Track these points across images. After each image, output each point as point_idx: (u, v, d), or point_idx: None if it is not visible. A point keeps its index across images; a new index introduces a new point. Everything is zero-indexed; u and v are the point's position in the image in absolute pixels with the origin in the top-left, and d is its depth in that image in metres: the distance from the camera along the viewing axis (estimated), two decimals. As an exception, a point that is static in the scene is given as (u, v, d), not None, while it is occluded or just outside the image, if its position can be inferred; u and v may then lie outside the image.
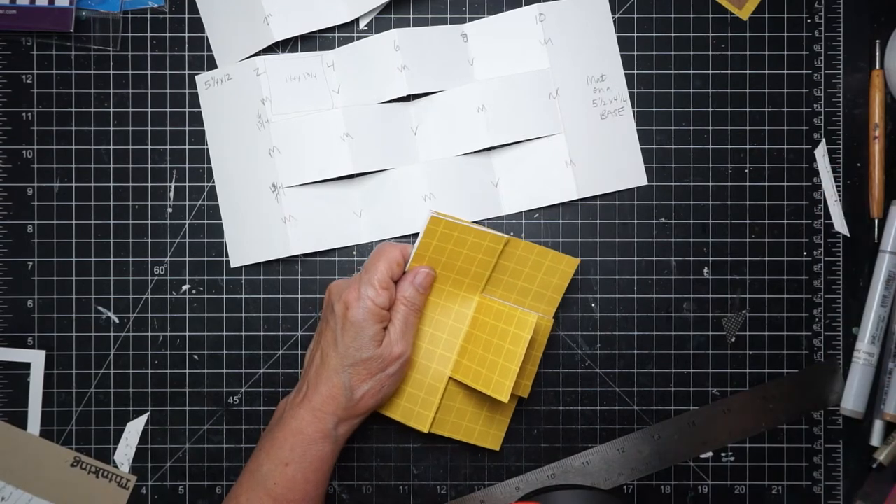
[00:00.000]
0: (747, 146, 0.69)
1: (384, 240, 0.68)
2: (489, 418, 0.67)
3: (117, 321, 0.68)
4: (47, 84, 0.68)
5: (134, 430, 0.68)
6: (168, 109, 0.68)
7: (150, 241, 0.68)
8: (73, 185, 0.68)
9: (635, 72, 0.69)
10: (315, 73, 0.67)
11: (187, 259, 0.68)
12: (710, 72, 0.69)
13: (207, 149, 0.68)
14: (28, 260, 0.68)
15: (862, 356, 0.68)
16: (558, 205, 0.68)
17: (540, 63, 0.68)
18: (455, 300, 0.64)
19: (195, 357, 0.68)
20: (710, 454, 0.69)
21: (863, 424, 0.69)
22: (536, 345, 0.66)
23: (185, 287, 0.68)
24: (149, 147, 0.68)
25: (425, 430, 0.64)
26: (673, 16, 0.69)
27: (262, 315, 0.68)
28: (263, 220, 0.67)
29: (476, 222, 0.68)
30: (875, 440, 0.68)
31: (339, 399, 0.61)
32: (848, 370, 0.69)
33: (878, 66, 0.68)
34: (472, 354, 0.63)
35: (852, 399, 0.68)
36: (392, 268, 0.62)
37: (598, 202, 0.69)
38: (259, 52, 0.67)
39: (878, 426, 0.68)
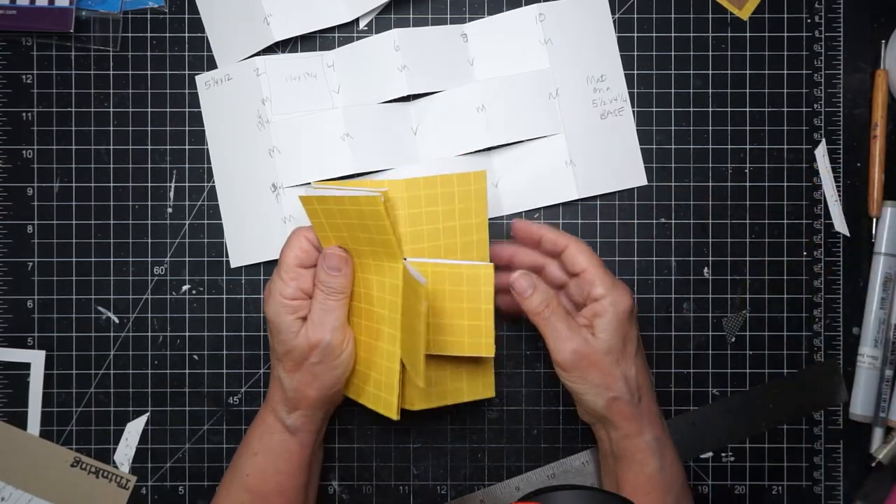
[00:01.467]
0: (747, 146, 0.69)
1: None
2: (472, 370, 0.63)
3: (117, 321, 0.68)
4: (47, 84, 0.68)
5: (134, 430, 0.68)
6: (168, 109, 0.68)
7: (150, 241, 0.68)
8: (73, 185, 0.68)
9: (635, 72, 0.69)
10: (315, 73, 0.67)
11: (187, 259, 0.68)
12: (710, 72, 0.69)
13: (207, 149, 0.68)
14: (28, 260, 0.68)
15: (866, 360, 0.68)
16: (558, 205, 0.68)
17: (540, 63, 0.68)
18: (382, 272, 0.59)
19: (195, 357, 0.68)
20: (710, 454, 0.69)
21: (867, 426, 0.69)
22: (486, 296, 0.60)
23: (185, 287, 0.68)
24: (149, 147, 0.68)
25: (395, 417, 0.59)
26: (673, 16, 0.69)
27: (261, 315, 0.68)
28: (263, 220, 0.67)
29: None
30: (875, 448, 0.68)
31: (279, 392, 0.61)
32: (848, 370, 0.69)
33: (882, 66, 0.68)
34: (432, 327, 0.60)
35: (860, 404, 0.68)
36: (298, 255, 0.59)
37: (598, 202, 0.69)
38: (259, 52, 0.67)
39: (878, 433, 0.68)
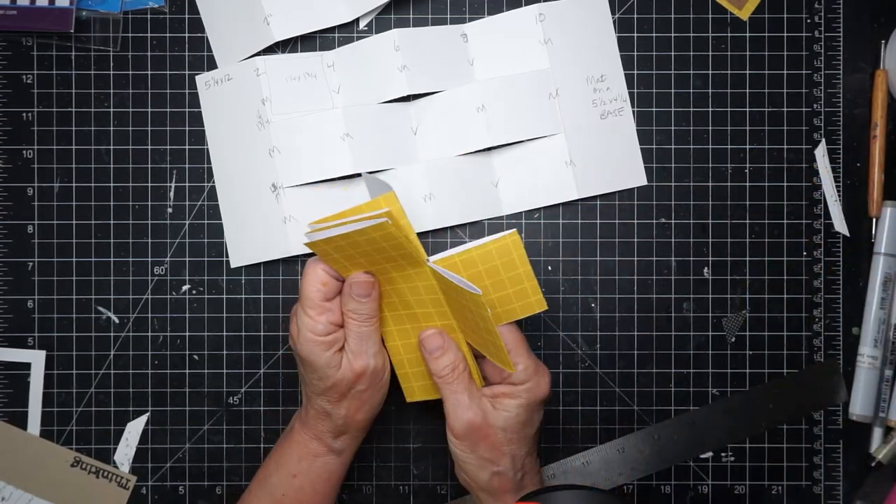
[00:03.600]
0: (747, 146, 0.69)
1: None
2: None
3: (117, 321, 0.68)
4: (47, 84, 0.68)
5: (134, 430, 0.68)
6: (168, 109, 0.68)
7: (150, 241, 0.68)
8: (73, 185, 0.68)
9: (635, 72, 0.69)
10: (315, 73, 0.67)
11: (187, 259, 0.68)
12: (710, 72, 0.69)
13: (207, 149, 0.68)
14: (28, 260, 0.68)
15: (866, 360, 0.68)
16: (558, 205, 0.68)
17: (540, 63, 0.68)
18: (411, 279, 0.59)
19: (195, 357, 0.68)
20: (710, 454, 0.69)
21: (867, 426, 0.69)
22: (527, 274, 0.59)
23: (185, 287, 0.68)
24: (149, 147, 0.68)
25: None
26: (673, 16, 0.69)
27: (262, 315, 0.68)
28: (263, 220, 0.67)
29: (475, 223, 0.68)
30: (875, 448, 0.68)
31: (325, 420, 0.60)
32: (848, 370, 0.69)
33: (882, 66, 0.68)
34: (463, 323, 0.60)
35: (859, 404, 0.68)
36: (321, 289, 0.58)
37: (598, 202, 0.69)
38: (259, 52, 0.67)
39: (877, 433, 0.68)
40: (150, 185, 0.68)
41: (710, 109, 0.69)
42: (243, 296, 0.68)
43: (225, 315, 0.68)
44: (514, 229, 0.58)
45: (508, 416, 0.58)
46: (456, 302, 0.58)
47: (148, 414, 0.68)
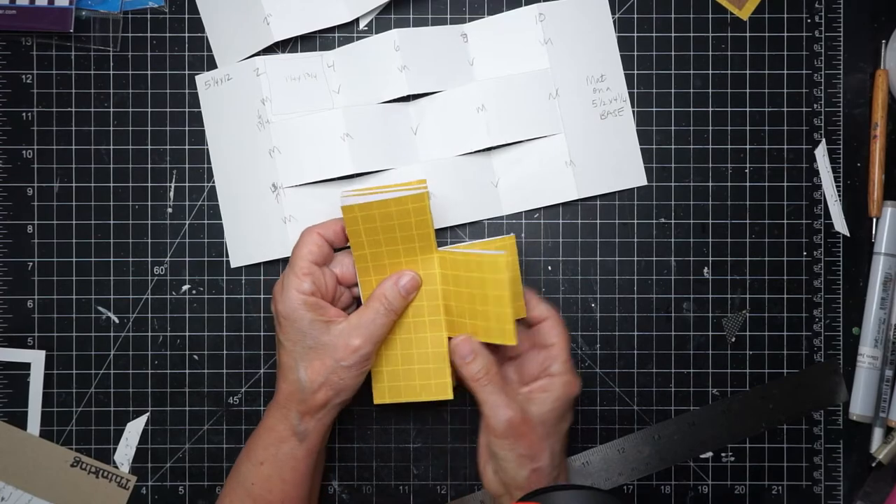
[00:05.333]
0: (747, 146, 0.69)
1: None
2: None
3: (117, 321, 0.68)
4: (47, 84, 0.68)
5: (134, 430, 0.68)
6: (168, 109, 0.68)
7: (150, 241, 0.68)
8: (73, 185, 0.68)
9: (635, 72, 0.69)
10: (315, 73, 0.67)
11: (187, 259, 0.68)
12: (710, 72, 0.69)
13: (207, 149, 0.68)
14: (28, 260, 0.68)
15: (866, 360, 0.68)
16: (558, 205, 0.68)
17: (540, 63, 0.68)
18: (416, 266, 0.62)
19: (195, 357, 0.68)
20: (710, 454, 0.69)
21: (867, 427, 0.69)
22: (513, 280, 0.61)
23: (185, 287, 0.68)
24: (149, 147, 0.68)
25: (451, 397, 0.63)
26: (673, 16, 0.69)
27: (262, 315, 0.68)
28: (263, 220, 0.67)
29: (475, 223, 0.68)
30: (875, 448, 0.68)
31: (296, 394, 0.60)
32: (848, 370, 0.69)
33: (882, 66, 0.68)
34: (460, 310, 0.62)
35: (860, 404, 0.68)
36: (312, 250, 0.60)
37: (598, 202, 0.69)
38: (259, 52, 0.67)
39: (877, 434, 0.68)
40: (149, 185, 0.68)
41: (711, 109, 0.69)
42: (243, 296, 0.68)
43: (225, 315, 0.68)
44: (506, 251, 0.60)
45: (545, 411, 0.59)
46: (457, 290, 0.61)
47: (148, 414, 0.68)
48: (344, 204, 0.59)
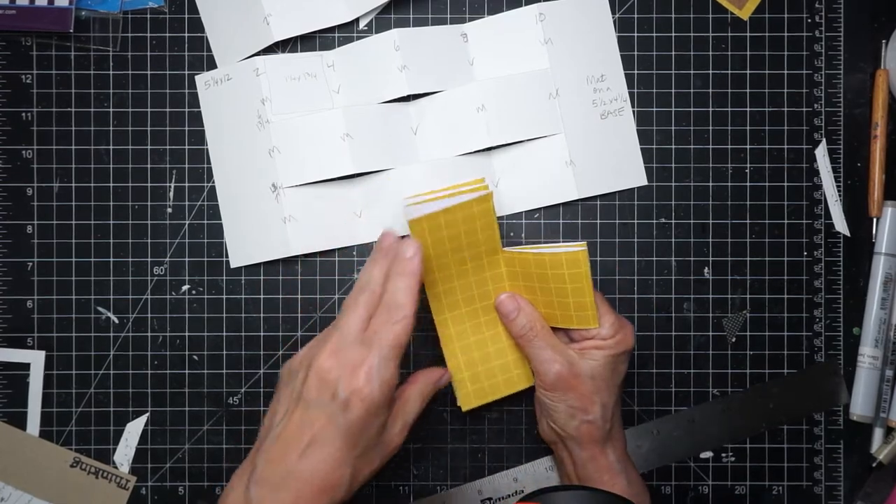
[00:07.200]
0: (747, 146, 0.69)
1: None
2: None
3: (117, 321, 0.68)
4: (47, 84, 0.68)
5: (134, 430, 0.68)
6: (168, 109, 0.68)
7: (149, 241, 0.68)
8: (73, 185, 0.68)
9: (635, 72, 0.69)
10: (315, 73, 0.67)
11: (187, 259, 0.68)
12: (710, 72, 0.69)
13: (207, 149, 0.68)
14: (28, 260, 0.68)
15: (867, 360, 0.68)
16: (558, 205, 0.68)
17: (540, 63, 0.68)
18: (483, 270, 0.63)
19: (195, 357, 0.68)
20: (710, 454, 0.69)
21: (868, 427, 0.69)
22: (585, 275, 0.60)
23: (185, 287, 0.68)
24: (149, 147, 0.68)
25: (532, 383, 0.64)
26: (673, 16, 0.69)
27: (262, 315, 0.68)
28: (263, 220, 0.67)
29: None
30: (875, 448, 0.68)
31: (337, 494, 0.51)
32: (848, 370, 0.69)
33: (882, 66, 0.68)
34: (533, 302, 0.62)
35: (860, 404, 0.68)
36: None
37: (598, 202, 0.69)
38: (259, 52, 0.67)
39: (878, 434, 0.68)
40: (149, 185, 0.68)
41: (711, 109, 0.69)
42: (243, 296, 0.68)
43: (225, 315, 0.68)
44: (585, 242, 0.61)
45: (595, 365, 0.60)
46: (527, 285, 0.61)
47: (147, 414, 0.68)
48: (410, 218, 0.57)
